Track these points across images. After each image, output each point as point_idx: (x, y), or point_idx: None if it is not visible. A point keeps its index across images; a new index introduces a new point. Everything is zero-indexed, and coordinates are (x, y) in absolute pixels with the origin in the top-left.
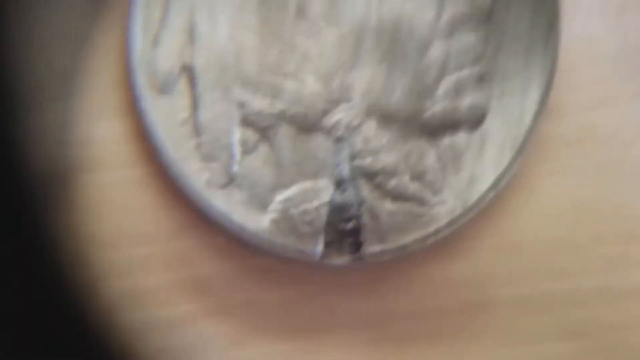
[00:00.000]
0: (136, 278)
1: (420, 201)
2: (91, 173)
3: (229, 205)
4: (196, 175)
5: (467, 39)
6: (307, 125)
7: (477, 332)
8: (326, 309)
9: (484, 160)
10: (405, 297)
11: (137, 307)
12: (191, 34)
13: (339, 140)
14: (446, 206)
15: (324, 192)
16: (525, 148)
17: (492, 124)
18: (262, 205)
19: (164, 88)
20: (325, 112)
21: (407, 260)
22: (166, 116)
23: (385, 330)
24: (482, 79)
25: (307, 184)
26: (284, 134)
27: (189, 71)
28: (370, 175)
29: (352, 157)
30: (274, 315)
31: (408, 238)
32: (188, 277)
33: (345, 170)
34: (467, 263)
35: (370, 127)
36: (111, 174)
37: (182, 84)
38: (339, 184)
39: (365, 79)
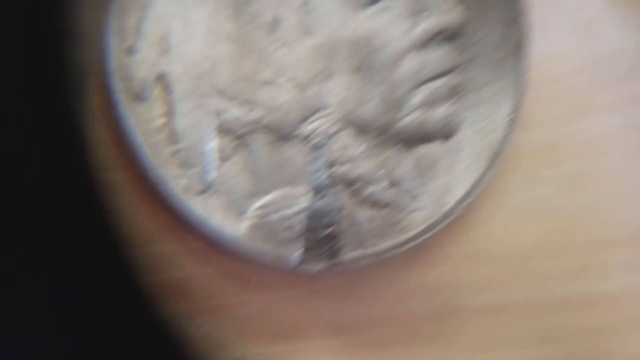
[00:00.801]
0: None
1: (398, 208)
2: None
3: (207, 211)
4: (174, 181)
5: (441, 50)
6: (283, 133)
7: (453, 337)
8: (303, 315)
9: (458, 168)
10: (381, 302)
11: None
12: (166, 43)
13: (315, 147)
14: (423, 213)
15: (302, 199)
16: (499, 157)
17: (466, 134)
18: (240, 211)
19: (140, 95)
20: (302, 120)
21: (384, 266)
22: (143, 123)
23: (361, 336)
24: (455, 90)
25: (284, 191)
26: (261, 141)
27: (164, 79)
28: (347, 183)
29: (330, 164)
30: (251, 320)
31: (386, 244)
32: (165, 281)
33: (322, 177)
34: (443, 269)
35: (347, 135)
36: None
37: (158, 92)
38: (317, 190)
39: (340, 88)
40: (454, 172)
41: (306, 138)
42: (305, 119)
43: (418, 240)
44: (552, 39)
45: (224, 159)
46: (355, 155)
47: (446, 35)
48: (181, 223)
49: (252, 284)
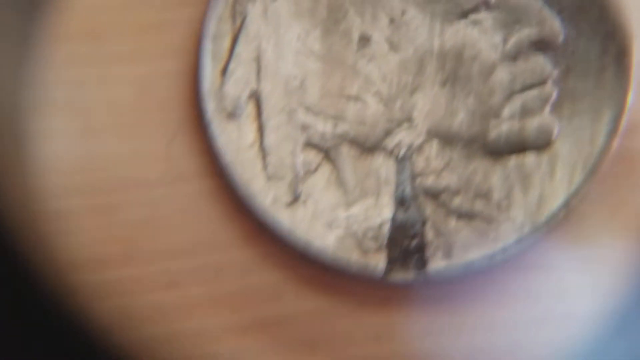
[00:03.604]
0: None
1: (487, 218)
2: (169, 185)
3: (294, 223)
4: (262, 194)
5: (535, 60)
6: (368, 145)
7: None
8: (391, 323)
9: (554, 180)
10: (474, 311)
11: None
12: (258, 62)
13: (400, 160)
14: (514, 223)
15: (386, 210)
16: (597, 168)
17: (563, 145)
18: (326, 222)
19: (232, 114)
20: (387, 133)
21: (476, 276)
22: (235, 140)
23: (454, 341)
24: (550, 100)
25: (369, 202)
26: (347, 154)
27: (256, 97)
28: (433, 194)
29: (414, 176)
30: (340, 325)
31: (474, 254)
32: (253, 285)
33: (407, 189)
34: (546, 276)
35: (432, 148)
36: (187, 186)
37: (250, 109)
38: (402, 202)
39: (427, 101)
40: (550, 183)
41: (391, 151)
42: (390, 132)
43: (509, 252)
44: None
45: (310, 172)
46: (440, 167)
47: (540, 46)
48: (268, 232)
49: (339, 292)
